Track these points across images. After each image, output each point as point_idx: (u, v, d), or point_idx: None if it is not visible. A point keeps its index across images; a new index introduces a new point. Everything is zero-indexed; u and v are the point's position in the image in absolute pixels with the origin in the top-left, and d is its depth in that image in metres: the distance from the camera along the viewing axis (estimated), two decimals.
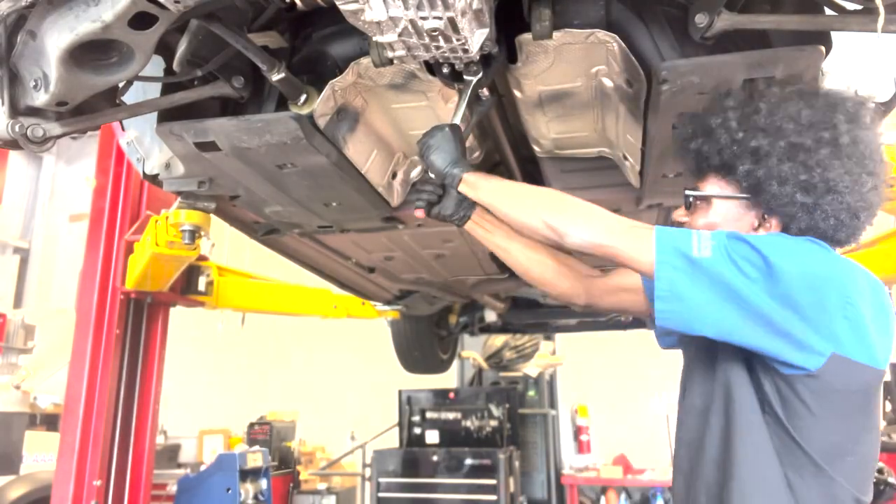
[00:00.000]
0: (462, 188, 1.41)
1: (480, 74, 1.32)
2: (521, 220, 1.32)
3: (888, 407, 6.03)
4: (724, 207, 1.24)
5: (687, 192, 1.28)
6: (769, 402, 1.12)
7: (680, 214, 1.32)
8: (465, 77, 1.32)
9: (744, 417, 1.14)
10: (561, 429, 6.62)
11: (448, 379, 6.29)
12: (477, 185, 1.39)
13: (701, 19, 1.19)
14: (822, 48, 1.23)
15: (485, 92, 1.44)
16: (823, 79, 1.35)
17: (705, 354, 1.25)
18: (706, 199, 1.25)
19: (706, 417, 1.22)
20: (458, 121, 1.42)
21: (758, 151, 1.15)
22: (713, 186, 1.25)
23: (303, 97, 1.43)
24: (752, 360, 1.14)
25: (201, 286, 3.41)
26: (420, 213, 1.51)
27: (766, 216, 1.20)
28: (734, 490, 1.13)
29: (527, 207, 1.31)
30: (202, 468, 5.33)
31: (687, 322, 1.10)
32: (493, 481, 4.86)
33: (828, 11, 1.21)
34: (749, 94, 1.21)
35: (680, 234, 1.11)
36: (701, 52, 1.28)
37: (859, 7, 1.10)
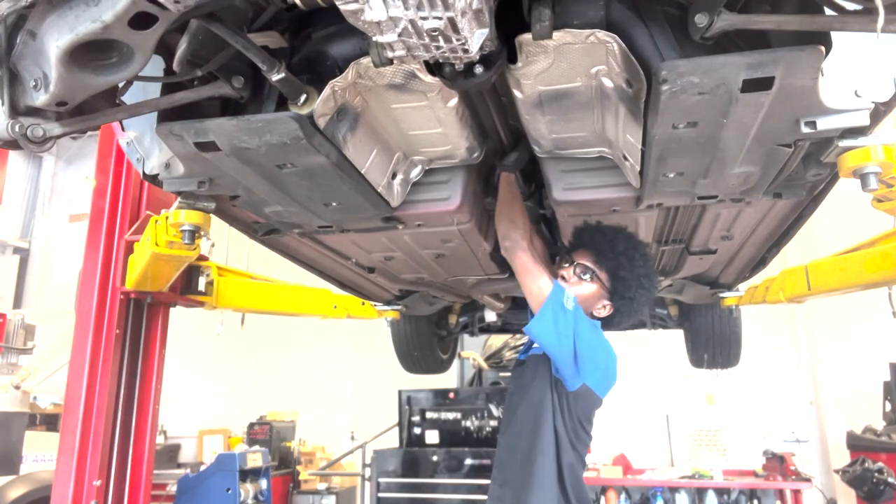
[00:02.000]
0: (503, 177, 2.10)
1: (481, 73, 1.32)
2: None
3: (888, 407, 6.04)
4: (594, 288, 2.04)
5: (588, 265, 2.04)
6: (554, 401, 1.97)
7: (566, 270, 2.06)
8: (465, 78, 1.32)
9: (544, 410, 1.98)
10: None
11: (448, 379, 6.30)
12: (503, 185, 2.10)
13: (701, 19, 1.19)
14: (822, 48, 1.23)
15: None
16: (823, 78, 1.35)
17: (532, 373, 2.06)
18: (591, 279, 2.04)
19: (528, 407, 2.03)
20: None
21: (617, 271, 2.03)
22: (602, 275, 2.03)
23: (303, 97, 1.43)
24: (552, 375, 1.99)
25: (201, 286, 3.41)
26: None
27: (605, 304, 2.06)
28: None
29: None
30: (202, 468, 5.34)
31: (540, 335, 1.91)
32: None
33: (828, 12, 1.21)
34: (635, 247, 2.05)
35: (563, 291, 1.92)
36: (701, 52, 1.28)
37: (859, 7, 1.10)
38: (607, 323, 2.06)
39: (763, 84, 1.27)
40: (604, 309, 2.05)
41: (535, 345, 2.10)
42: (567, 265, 2.07)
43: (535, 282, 1.92)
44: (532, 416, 1.98)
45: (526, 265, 1.96)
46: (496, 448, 2.15)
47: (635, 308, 2.05)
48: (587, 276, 2.03)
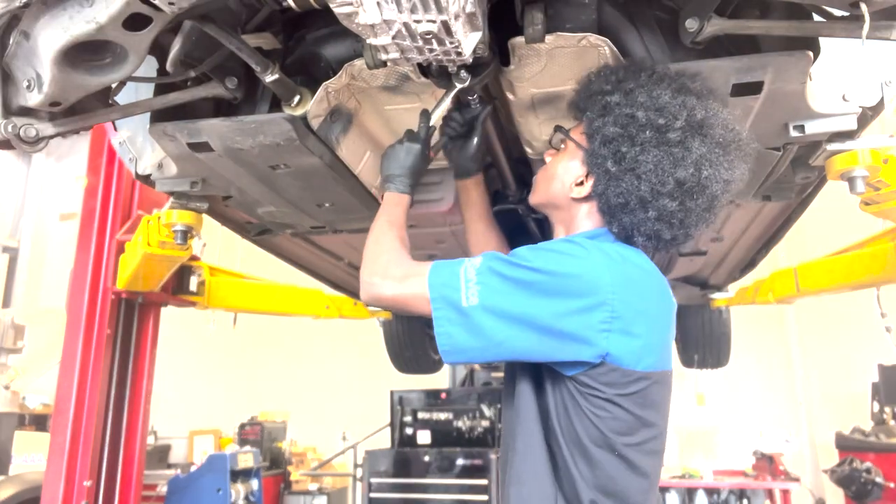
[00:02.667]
0: (385, 198, 1.45)
1: (468, 78, 1.33)
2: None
3: (876, 407, 6.09)
4: (571, 154, 1.30)
5: (557, 125, 1.36)
6: (550, 410, 1.18)
7: (549, 153, 1.39)
8: (452, 80, 1.33)
9: (525, 425, 1.23)
10: None
11: (440, 379, 6.30)
12: (383, 206, 1.42)
13: (691, 24, 1.21)
14: (811, 53, 1.25)
15: (476, 101, 1.46)
16: (811, 83, 1.37)
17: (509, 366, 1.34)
18: (566, 144, 1.32)
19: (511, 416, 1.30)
20: (433, 120, 1.45)
21: (607, 106, 1.20)
22: (576, 131, 1.31)
23: (296, 98, 1.43)
24: (540, 366, 1.20)
25: (193, 286, 3.40)
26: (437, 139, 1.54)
27: (588, 175, 1.25)
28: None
29: (366, 249, 1.32)
30: (192, 469, 5.32)
31: (469, 360, 1.18)
32: (484, 481, 4.87)
33: (816, 18, 1.23)
34: (649, 68, 1.24)
35: (449, 280, 1.13)
36: (691, 56, 1.30)
37: (846, 14, 1.12)
38: (604, 213, 1.23)
39: (752, 88, 1.29)
40: (581, 184, 1.26)
41: None
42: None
43: (414, 295, 1.16)
44: (516, 433, 1.27)
45: (394, 285, 1.20)
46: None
47: (618, 176, 1.16)
48: (555, 147, 1.37)
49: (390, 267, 1.23)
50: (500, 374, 6.63)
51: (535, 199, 1.40)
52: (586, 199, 1.26)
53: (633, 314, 1.12)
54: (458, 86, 1.33)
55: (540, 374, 1.21)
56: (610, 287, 1.10)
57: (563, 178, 1.29)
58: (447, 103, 1.41)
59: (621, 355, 1.11)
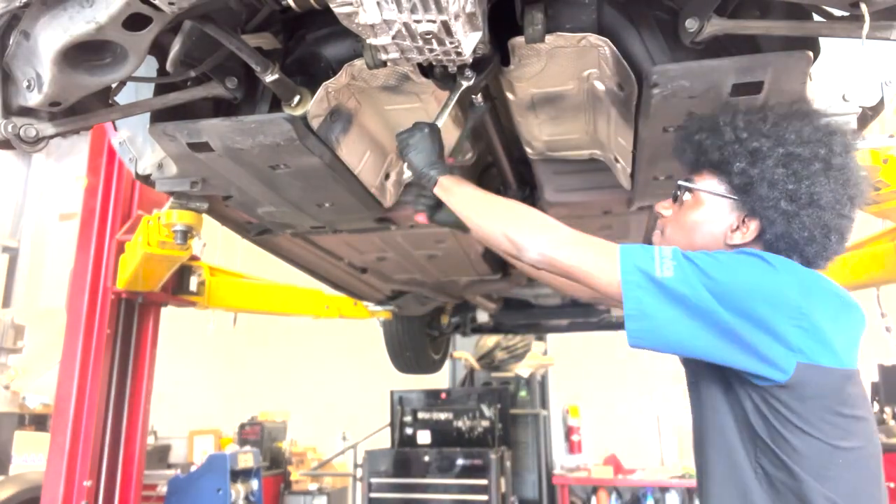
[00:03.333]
0: (437, 191, 1.42)
1: (473, 77, 1.33)
2: (485, 232, 1.33)
3: (875, 407, 6.09)
4: (710, 205, 1.25)
5: (681, 183, 1.29)
6: (747, 418, 1.14)
7: (664, 206, 1.34)
8: (457, 80, 1.33)
9: (716, 435, 1.20)
10: (552, 429, 6.63)
11: (440, 379, 6.30)
12: (451, 190, 1.40)
13: (691, 24, 1.20)
14: (810, 53, 1.25)
15: (478, 98, 1.46)
16: (811, 83, 1.37)
17: (694, 371, 1.30)
18: (695, 195, 1.27)
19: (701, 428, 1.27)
20: (441, 122, 1.44)
21: (757, 152, 1.18)
22: (707, 182, 1.26)
23: (296, 98, 1.43)
24: (730, 378, 1.17)
25: (193, 286, 3.40)
26: (422, 219, 1.52)
27: (745, 220, 1.22)
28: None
29: (491, 219, 1.33)
30: (192, 469, 5.32)
31: (657, 340, 1.13)
32: (484, 481, 4.87)
33: (816, 18, 1.23)
34: (760, 105, 1.27)
35: (643, 253, 1.12)
36: (691, 56, 1.30)
37: (846, 14, 1.12)
38: (791, 248, 1.20)
39: (752, 88, 1.29)
40: (744, 230, 1.22)
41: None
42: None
43: (599, 264, 1.15)
44: (716, 458, 1.20)
45: (575, 251, 1.19)
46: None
47: (797, 213, 1.16)
48: (686, 194, 1.29)
49: (562, 232, 1.22)
50: (501, 375, 6.64)
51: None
52: (750, 243, 1.23)
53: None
54: (465, 84, 1.33)
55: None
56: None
57: (710, 227, 1.25)
58: (453, 103, 1.40)
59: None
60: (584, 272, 1.18)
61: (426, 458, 5.20)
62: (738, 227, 1.23)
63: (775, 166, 1.16)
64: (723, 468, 1.18)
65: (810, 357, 1.09)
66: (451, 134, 1.78)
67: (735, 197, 1.22)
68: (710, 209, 1.25)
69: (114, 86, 1.37)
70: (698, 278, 1.08)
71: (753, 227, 1.21)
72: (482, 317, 4.79)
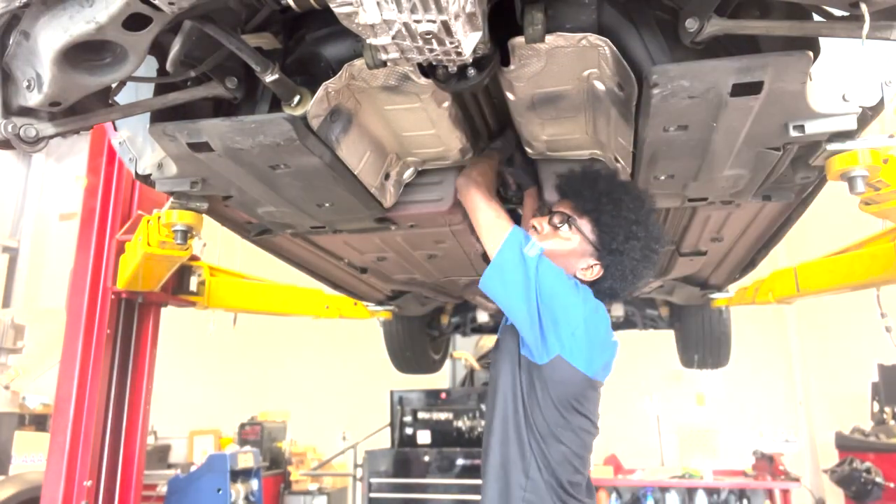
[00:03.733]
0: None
1: (474, 77, 1.33)
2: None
3: (876, 407, 6.10)
4: (580, 244, 1.66)
5: (569, 214, 1.68)
6: (521, 381, 1.60)
7: (539, 223, 1.70)
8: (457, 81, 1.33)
9: (503, 390, 1.66)
10: None
11: (440, 379, 6.30)
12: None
13: (691, 24, 1.20)
14: (810, 53, 1.24)
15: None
16: (811, 83, 1.37)
17: (504, 349, 1.72)
18: (573, 231, 1.67)
19: (497, 392, 1.70)
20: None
21: (631, 238, 1.62)
22: (586, 227, 1.66)
23: (296, 98, 1.43)
24: (517, 351, 1.63)
25: (193, 286, 3.40)
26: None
27: (592, 266, 1.66)
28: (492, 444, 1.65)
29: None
30: (192, 469, 5.32)
31: (496, 287, 1.57)
32: None
33: (816, 18, 1.23)
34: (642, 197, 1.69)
35: (524, 236, 1.58)
36: (691, 56, 1.30)
37: (846, 14, 1.12)
38: (599, 290, 1.67)
39: (752, 88, 1.29)
40: (590, 270, 1.64)
41: None
42: (541, 216, 1.75)
43: (491, 224, 1.60)
44: (501, 403, 1.64)
45: (479, 202, 1.64)
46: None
47: (629, 266, 1.62)
48: (563, 226, 1.65)
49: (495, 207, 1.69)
50: None
51: None
52: (587, 281, 1.71)
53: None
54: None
55: None
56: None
57: (571, 259, 1.70)
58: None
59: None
60: (485, 228, 1.64)
61: (426, 458, 5.20)
62: (588, 267, 1.66)
63: (635, 250, 1.62)
64: (502, 410, 1.64)
65: (568, 355, 1.53)
66: (451, 134, 1.78)
67: (599, 249, 1.64)
68: (578, 247, 1.65)
69: (114, 86, 1.37)
70: (541, 269, 1.52)
71: (597, 271, 1.65)
72: (482, 317, 4.79)
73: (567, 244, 1.64)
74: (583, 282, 1.65)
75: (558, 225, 1.66)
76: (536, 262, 1.51)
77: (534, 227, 1.69)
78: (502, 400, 1.64)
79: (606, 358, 1.66)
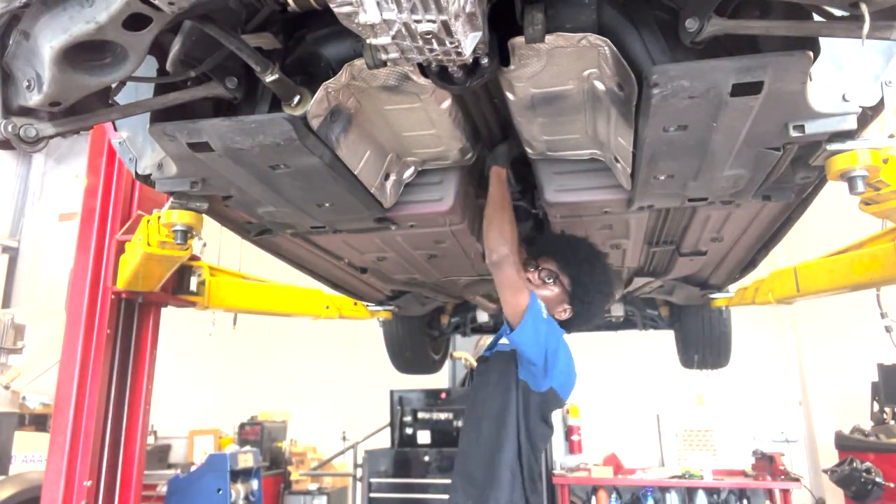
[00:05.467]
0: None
1: (474, 77, 1.33)
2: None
3: (876, 407, 6.09)
4: (558, 292, 2.13)
5: (556, 273, 2.13)
6: (518, 401, 2.04)
7: (532, 278, 2.12)
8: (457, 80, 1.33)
9: (498, 401, 2.08)
10: None
11: (440, 379, 6.30)
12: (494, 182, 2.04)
13: (691, 24, 1.20)
14: (810, 53, 1.24)
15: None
16: (811, 83, 1.37)
17: (498, 372, 2.13)
18: (557, 283, 2.12)
19: (493, 405, 2.09)
20: None
21: (593, 290, 2.15)
22: (566, 281, 2.13)
23: (296, 98, 1.43)
24: (517, 372, 2.06)
25: (193, 286, 3.39)
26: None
27: (567, 308, 2.14)
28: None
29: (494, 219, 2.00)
30: (193, 469, 5.32)
31: (526, 340, 1.93)
32: None
33: (816, 18, 1.23)
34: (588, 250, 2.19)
35: (540, 305, 1.97)
36: (691, 56, 1.30)
37: (846, 14, 1.12)
38: (565, 326, 2.15)
39: (752, 88, 1.29)
40: (564, 312, 2.14)
41: (501, 341, 2.19)
42: (532, 269, 2.15)
43: (516, 296, 1.96)
44: (497, 415, 2.05)
45: (511, 280, 1.97)
46: (459, 438, 2.21)
47: (592, 312, 2.18)
48: (550, 280, 2.13)
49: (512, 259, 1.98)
50: None
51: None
52: (560, 319, 2.16)
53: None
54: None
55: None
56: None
57: (551, 303, 2.14)
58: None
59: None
60: (509, 289, 1.97)
61: (426, 458, 5.20)
62: (563, 311, 2.14)
63: (598, 299, 2.20)
64: (494, 417, 2.06)
65: (558, 387, 2.03)
66: (451, 134, 1.78)
67: (573, 299, 2.13)
68: (557, 294, 2.13)
69: (114, 86, 1.37)
70: (550, 326, 1.99)
71: (568, 313, 2.14)
72: (482, 317, 4.79)
73: (550, 293, 2.12)
74: (555, 319, 2.12)
75: (546, 280, 2.13)
76: (547, 322, 1.98)
77: (528, 279, 2.10)
78: (497, 407, 2.06)
79: (573, 386, 2.19)
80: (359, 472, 6.25)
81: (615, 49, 1.32)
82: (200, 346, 7.25)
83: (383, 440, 6.14)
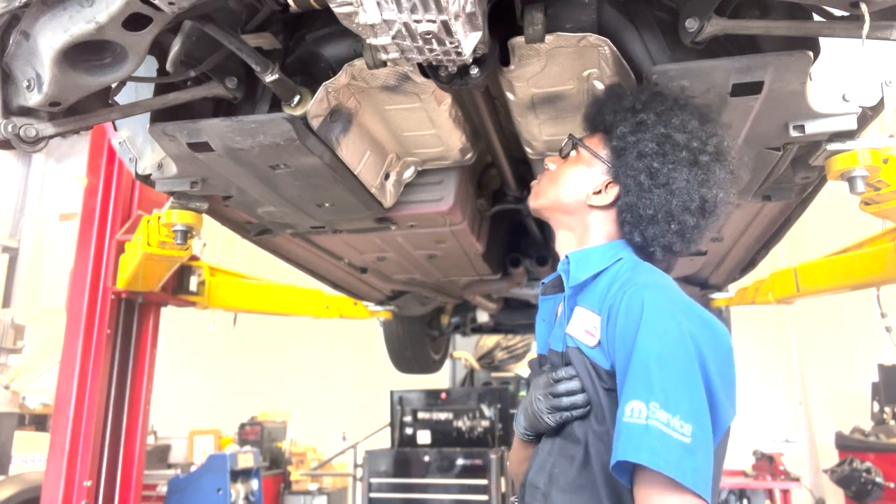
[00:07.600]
0: None
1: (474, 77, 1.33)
2: None
3: (876, 407, 6.09)
4: (587, 164, 1.31)
5: (572, 135, 1.35)
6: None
7: (552, 161, 1.38)
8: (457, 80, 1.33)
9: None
10: None
11: (440, 379, 6.30)
12: None
13: (691, 24, 1.20)
14: (811, 53, 1.25)
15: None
16: (811, 83, 1.37)
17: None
18: (579, 153, 1.33)
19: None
20: None
21: (641, 124, 1.23)
22: (593, 143, 1.32)
23: (296, 98, 1.43)
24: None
25: (193, 286, 3.40)
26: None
27: (609, 185, 1.27)
28: None
29: None
30: (192, 469, 5.32)
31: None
32: (484, 481, 4.87)
33: (816, 18, 1.23)
34: (672, 95, 1.28)
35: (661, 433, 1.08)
36: (691, 56, 1.30)
37: (846, 14, 1.12)
38: (627, 222, 1.25)
39: (752, 88, 1.29)
40: (605, 194, 1.27)
41: (568, 331, 1.26)
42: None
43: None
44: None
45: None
46: None
47: (651, 189, 1.20)
48: (573, 152, 1.34)
49: None
50: (501, 375, 6.63)
51: (538, 203, 1.37)
52: (605, 207, 1.28)
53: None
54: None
55: None
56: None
57: (578, 184, 1.30)
58: None
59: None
60: None
61: (426, 458, 5.19)
62: (600, 191, 1.28)
63: (650, 140, 1.21)
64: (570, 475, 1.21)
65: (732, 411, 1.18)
66: (451, 134, 1.78)
67: (608, 162, 1.28)
68: (585, 168, 1.31)
69: (114, 86, 1.37)
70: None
71: (613, 193, 1.27)
72: (482, 317, 4.79)
73: (576, 168, 1.32)
74: (592, 207, 1.29)
75: (568, 151, 1.35)
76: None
77: (546, 166, 1.39)
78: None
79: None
80: (359, 472, 6.25)
81: (615, 49, 1.32)
82: (200, 346, 7.25)
83: (383, 440, 6.13)
